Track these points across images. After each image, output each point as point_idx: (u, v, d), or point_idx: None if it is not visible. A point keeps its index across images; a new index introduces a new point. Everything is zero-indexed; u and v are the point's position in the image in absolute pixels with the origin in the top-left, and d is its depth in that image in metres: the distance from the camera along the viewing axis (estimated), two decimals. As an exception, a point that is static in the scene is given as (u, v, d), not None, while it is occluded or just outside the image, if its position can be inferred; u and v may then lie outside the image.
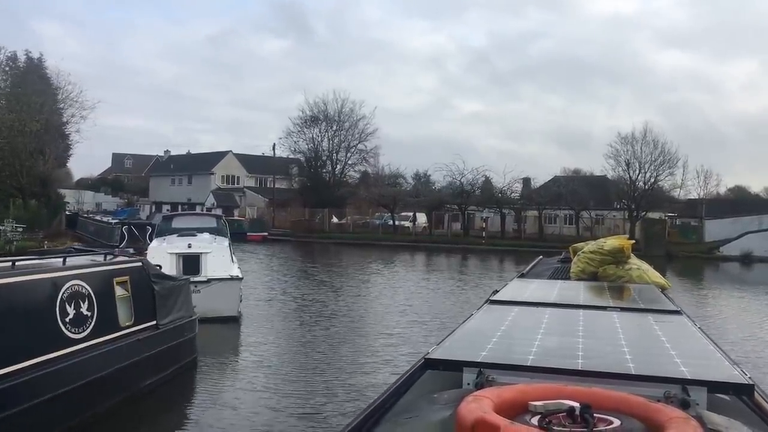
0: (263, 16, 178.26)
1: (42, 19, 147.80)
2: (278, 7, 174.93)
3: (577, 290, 5.99)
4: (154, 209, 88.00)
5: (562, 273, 8.78)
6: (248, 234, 59.18)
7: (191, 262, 17.63)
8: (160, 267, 13.25)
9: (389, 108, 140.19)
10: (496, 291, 5.77)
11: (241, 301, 18.61)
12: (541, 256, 11.95)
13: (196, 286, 16.25)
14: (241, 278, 18.28)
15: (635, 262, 7.93)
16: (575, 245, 9.44)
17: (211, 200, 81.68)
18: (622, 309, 4.64)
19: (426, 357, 2.94)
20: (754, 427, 2.41)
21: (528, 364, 2.79)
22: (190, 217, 24.96)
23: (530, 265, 10.23)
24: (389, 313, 20.03)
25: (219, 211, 75.12)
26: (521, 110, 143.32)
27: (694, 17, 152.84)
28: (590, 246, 8.29)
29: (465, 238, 59.36)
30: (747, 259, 48.28)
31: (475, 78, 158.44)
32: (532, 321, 4.03)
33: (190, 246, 18.01)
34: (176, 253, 17.80)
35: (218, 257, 18.09)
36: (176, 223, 21.32)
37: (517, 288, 6.11)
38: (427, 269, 37.74)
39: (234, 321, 17.37)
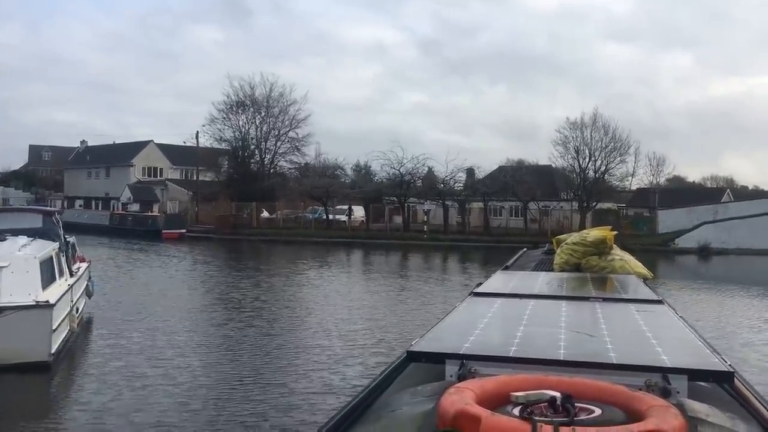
0: (201, 4, 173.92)
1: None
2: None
3: (560, 281, 6.05)
4: (66, 205, 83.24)
5: (545, 265, 8.81)
6: (163, 231, 55.26)
7: None
8: None
9: (332, 100, 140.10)
10: (480, 283, 5.78)
11: (67, 336, 14.06)
12: (525, 249, 11.87)
13: None
14: (53, 305, 12.61)
15: (618, 253, 7.98)
16: (558, 237, 9.45)
17: (127, 194, 76.46)
18: (605, 299, 4.67)
19: (409, 350, 2.94)
20: (734, 414, 2.44)
21: (510, 355, 2.81)
22: (4, 215, 18.96)
23: (514, 258, 10.15)
24: (313, 367, 13.26)
25: (136, 207, 70.82)
26: (466, 102, 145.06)
27: (635, 9, 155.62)
28: (573, 237, 8.37)
29: (405, 232, 56.63)
30: (705, 252, 46.86)
31: (419, 70, 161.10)
32: (515, 312, 4.04)
33: None
34: None
35: (20, 273, 12.79)
36: None
37: (500, 280, 6.16)
38: (363, 274, 32.92)
39: (43, 370, 12.16)
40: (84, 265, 18.55)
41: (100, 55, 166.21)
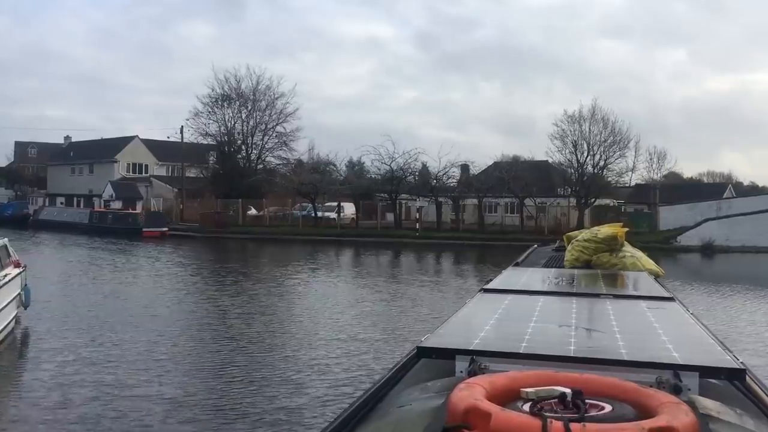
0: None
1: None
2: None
3: (570, 278, 6.10)
4: (47, 202, 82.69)
5: (556, 261, 8.91)
6: (144, 230, 54.65)
7: None
8: None
9: (326, 95, 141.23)
10: (490, 280, 5.88)
11: None
12: (535, 245, 11.98)
13: None
14: None
15: (629, 249, 8.09)
16: (569, 233, 9.60)
17: (109, 191, 75.64)
18: (616, 296, 4.73)
19: (419, 345, 3.00)
20: (745, 412, 2.47)
21: (520, 351, 2.85)
22: None
23: (525, 254, 10.23)
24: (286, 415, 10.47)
25: (119, 204, 70.00)
26: (460, 98, 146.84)
27: (631, 4, 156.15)
28: (584, 234, 8.47)
29: (396, 230, 56.10)
30: (708, 250, 46.36)
31: (413, 66, 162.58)
32: (525, 309, 4.10)
33: None
34: None
35: None
36: None
37: (510, 276, 6.21)
38: (353, 278, 29.99)
39: None
40: (15, 271, 16.41)
41: (90, 50, 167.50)
